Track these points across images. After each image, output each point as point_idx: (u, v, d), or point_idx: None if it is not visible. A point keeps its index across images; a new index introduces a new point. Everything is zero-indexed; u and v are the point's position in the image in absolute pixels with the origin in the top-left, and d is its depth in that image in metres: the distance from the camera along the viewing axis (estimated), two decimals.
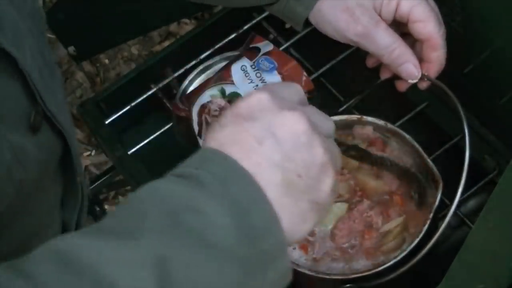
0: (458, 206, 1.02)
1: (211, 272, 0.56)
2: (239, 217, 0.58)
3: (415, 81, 0.93)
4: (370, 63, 0.97)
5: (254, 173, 0.60)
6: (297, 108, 0.64)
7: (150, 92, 1.18)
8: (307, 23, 0.97)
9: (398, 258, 0.86)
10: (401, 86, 0.96)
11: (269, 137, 0.62)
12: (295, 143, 0.62)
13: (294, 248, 0.92)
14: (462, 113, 0.88)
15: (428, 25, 0.90)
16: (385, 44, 0.91)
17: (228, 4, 1.00)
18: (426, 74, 0.92)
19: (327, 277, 0.88)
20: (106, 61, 2.20)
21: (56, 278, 0.53)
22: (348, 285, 0.88)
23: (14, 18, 0.69)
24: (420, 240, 0.87)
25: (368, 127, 0.96)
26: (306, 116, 0.63)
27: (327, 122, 0.67)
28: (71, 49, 1.38)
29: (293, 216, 0.62)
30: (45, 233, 0.80)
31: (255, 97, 0.64)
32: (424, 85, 0.94)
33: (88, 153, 2.10)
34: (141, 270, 0.54)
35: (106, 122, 1.18)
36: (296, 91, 0.68)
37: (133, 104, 1.18)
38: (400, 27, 0.93)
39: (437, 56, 0.91)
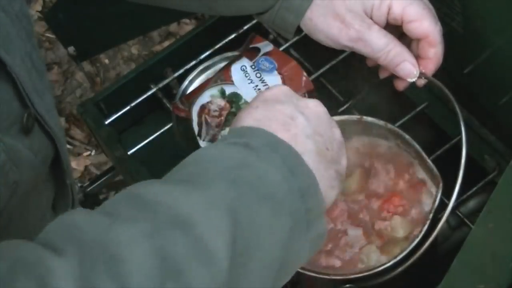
0: (458, 206, 1.02)
1: (269, 219, 0.63)
2: (288, 176, 0.65)
3: (413, 79, 0.93)
4: (370, 63, 0.97)
5: (292, 142, 0.68)
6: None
7: (150, 92, 1.18)
8: None
9: (398, 258, 0.86)
10: (400, 85, 0.96)
11: (298, 115, 0.71)
12: (320, 121, 0.73)
13: None
14: (457, 109, 0.88)
15: (424, 23, 0.89)
16: (380, 46, 0.90)
17: (216, 13, 0.99)
18: (423, 71, 0.92)
19: (327, 277, 0.88)
20: (106, 61, 2.20)
21: (136, 216, 0.58)
22: (348, 285, 0.88)
23: (4, 21, 0.69)
24: (420, 240, 0.87)
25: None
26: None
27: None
28: (71, 49, 1.37)
29: (325, 181, 0.70)
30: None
31: (277, 88, 0.75)
32: (422, 82, 0.93)
33: (88, 153, 2.10)
34: (217, 211, 0.60)
35: (106, 122, 1.18)
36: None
37: (133, 104, 1.18)
38: (396, 28, 0.93)
39: (434, 52, 0.91)
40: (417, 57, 0.92)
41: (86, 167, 2.07)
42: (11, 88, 0.69)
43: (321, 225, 0.68)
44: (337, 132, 0.75)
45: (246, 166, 0.64)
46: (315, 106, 0.74)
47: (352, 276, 0.87)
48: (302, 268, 0.88)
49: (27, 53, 0.73)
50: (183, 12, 1.52)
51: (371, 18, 0.91)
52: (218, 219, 0.59)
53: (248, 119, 0.71)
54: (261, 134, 0.68)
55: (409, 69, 0.91)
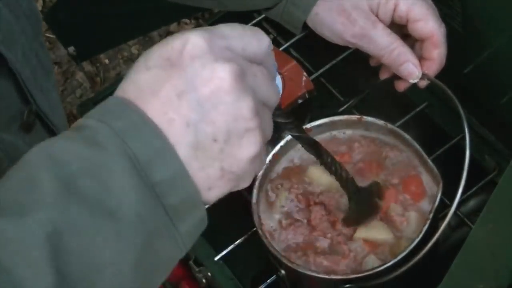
0: (459, 206, 1.02)
1: (110, 241, 0.53)
2: (140, 176, 0.54)
3: (415, 80, 0.93)
4: (373, 61, 0.98)
5: (164, 129, 0.56)
6: (236, 61, 0.57)
7: None
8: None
9: (398, 258, 0.86)
10: (401, 86, 0.96)
11: (189, 91, 0.56)
12: (217, 102, 0.56)
13: None
14: (461, 111, 0.88)
15: (429, 23, 0.90)
16: (384, 44, 0.91)
17: (226, 7, 1.00)
18: (426, 72, 0.92)
19: (327, 277, 0.88)
20: (106, 61, 2.20)
21: None
22: (348, 285, 0.88)
23: (8, 18, 0.70)
24: (420, 240, 0.87)
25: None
26: (240, 73, 0.56)
27: (273, 94, 0.60)
28: (71, 49, 1.38)
29: (199, 180, 0.57)
30: None
31: (191, 40, 0.56)
32: (424, 83, 0.94)
33: None
34: (32, 250, 0.51)
35: None
36: (258, 43, 0.61)
37: None
38: (400, 29, 0.93)
39: (438, 53, 0.91)
40: (420, 58, 0.93)
41: None
42: (12, 84, 0.69)
43: (197, 216, 0.57)
44: (245, 116, 0.57)
45: (88, 173, 0.54)
46: (220, 79, 0.55)
47: (352, 276, 0.87)
48: (302, 268, 0.88)
49: (33, 51, 0.73)
50: (183, 12, 1.52)
51: (376, 16, 0.91)
52: (36, 261, 0.51)
53: (131, 83, 0.58)
54: (124, 117, 0.56)
55: (411, 70, 0.92)
